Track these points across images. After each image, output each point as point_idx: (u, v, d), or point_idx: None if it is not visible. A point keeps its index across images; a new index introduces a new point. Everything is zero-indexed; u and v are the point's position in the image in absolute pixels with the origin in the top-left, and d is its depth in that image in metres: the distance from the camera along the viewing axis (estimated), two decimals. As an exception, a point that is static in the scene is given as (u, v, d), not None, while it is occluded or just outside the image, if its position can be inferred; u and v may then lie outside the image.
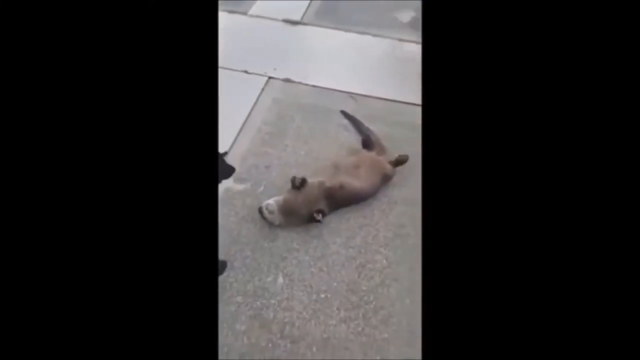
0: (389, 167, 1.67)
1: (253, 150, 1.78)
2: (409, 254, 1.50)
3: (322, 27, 2.44)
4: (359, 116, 1.92)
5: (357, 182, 1.58)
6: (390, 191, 1.67)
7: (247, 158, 1.73)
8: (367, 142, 1.77)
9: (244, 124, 1.88)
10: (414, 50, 2.27)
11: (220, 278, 1.37)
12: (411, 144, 1.70)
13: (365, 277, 1.44)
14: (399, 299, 1.40)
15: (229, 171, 1.28)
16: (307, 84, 2.11)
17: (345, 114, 1.94)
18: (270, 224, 1.51)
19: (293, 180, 1.53)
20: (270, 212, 1.50)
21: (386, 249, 1.51)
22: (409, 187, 1.67)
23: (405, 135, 1.80)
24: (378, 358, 1.27)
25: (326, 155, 1.76)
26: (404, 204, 1.63)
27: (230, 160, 1.71)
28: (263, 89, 2.06)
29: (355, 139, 1.85)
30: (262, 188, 1.63)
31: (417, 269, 1.47)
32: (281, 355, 1.24)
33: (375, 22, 2.44)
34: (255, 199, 1.59)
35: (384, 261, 1.48)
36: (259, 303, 1.35)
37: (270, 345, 1.26)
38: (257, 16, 2.48)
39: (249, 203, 1.58)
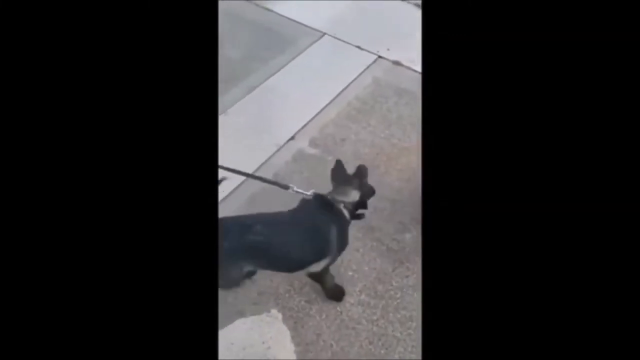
0: None
1: (336, 120, 1.83)
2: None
3: (453, 15, 2.26)
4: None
5: None
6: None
7: (327, 126, 1.80)
8: None
9: (337, 95, 1.94)
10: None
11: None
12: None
13: (399, 275, 1.39)
14: (427, 309, 1.31)
15: (370, 193, 1.22)
16: (414, 70, 2.02)
17: None
18: None
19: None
20: None
21: (432, 255, 1.42)
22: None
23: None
24: (382, 351, 1.24)
25: (405, 145, 1.70)
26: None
27: (310, 126, 1.81)
28: (368, 67, 2.07)
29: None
30: (330, 157, 1.68)
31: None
32: (294, 307, 1.33)
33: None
34: (322, 165, 1.66)
35: (426, 266, 1.40)
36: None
37: (288, 294, 1.35)
38: (390, -5, 2.45)
39: (314, 166, 1.66)
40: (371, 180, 1.25)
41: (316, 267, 1.18)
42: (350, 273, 1.40)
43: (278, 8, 2.39)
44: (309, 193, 1.17)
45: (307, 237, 1.12)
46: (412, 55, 2.07)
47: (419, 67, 2.02)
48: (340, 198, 1.16)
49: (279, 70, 2.06)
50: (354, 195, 1.18)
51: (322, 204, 1.14)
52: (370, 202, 1.25)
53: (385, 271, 1.40)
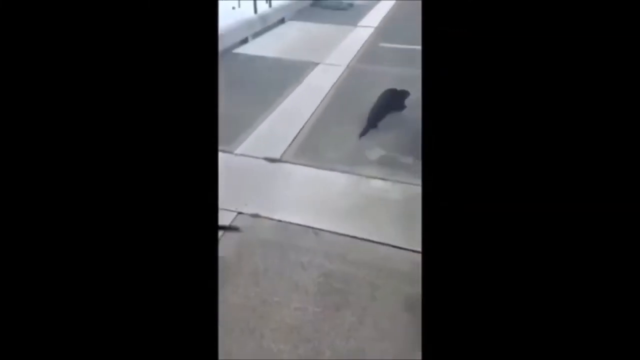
0: None
1: (202, 291, 1.76)
2: None
3: (297, 165, 2.67)
4: (319, 252, 1.93)
5: None
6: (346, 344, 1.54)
7: (193, 300, 1.70)
8: None
9: (201, 262, 1.91)
10: (379, 186, 2.39)
11: None
12: (366, 284, 1.63)
13: None
14: None
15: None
16: (273, 219, 2.19)
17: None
18: None
19: None
20: None
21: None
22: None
23: (363, 274, 1.76)
24: None
25: (276, 299, 1.71)
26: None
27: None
28: (230, 224, 2.15)
29: (310, 280, 1.81)
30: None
31: None
32: None
33: (345, 159, 2.66)
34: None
35: None
36: None
37: None
38: (242, 154, 2.78)
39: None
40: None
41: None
42: None
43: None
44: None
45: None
46: (268, 206, 2.27)
47: (276, 216, 2.22)
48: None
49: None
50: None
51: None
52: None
53: None
